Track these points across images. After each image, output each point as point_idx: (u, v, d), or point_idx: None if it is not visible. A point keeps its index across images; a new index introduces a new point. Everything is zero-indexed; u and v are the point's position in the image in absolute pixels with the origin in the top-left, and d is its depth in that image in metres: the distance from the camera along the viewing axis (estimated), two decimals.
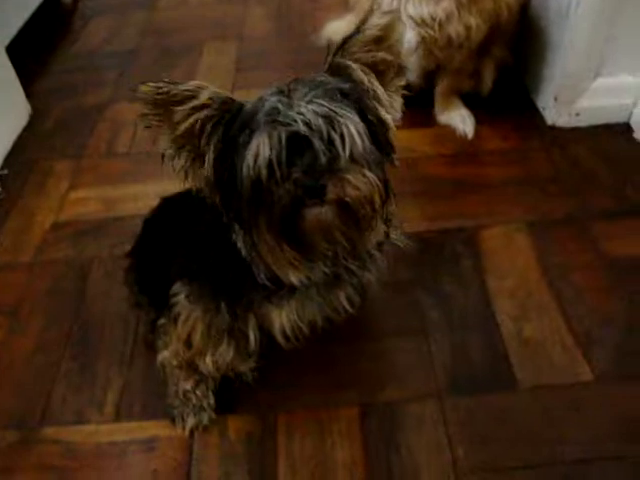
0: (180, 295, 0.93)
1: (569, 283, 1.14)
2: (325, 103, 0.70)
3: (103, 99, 1.77)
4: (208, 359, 0.96)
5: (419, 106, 1.55)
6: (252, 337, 0.93)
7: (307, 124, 0.68)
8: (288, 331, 0.92)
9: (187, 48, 1.99)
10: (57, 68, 1.98)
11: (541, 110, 1.55)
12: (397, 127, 1.51)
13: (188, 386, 1.00)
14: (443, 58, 1.40)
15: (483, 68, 1.49)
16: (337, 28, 1.80)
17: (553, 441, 0.94)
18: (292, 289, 0.84)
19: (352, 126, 0.70)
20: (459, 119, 1.50)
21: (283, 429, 0.98)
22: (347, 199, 0.71)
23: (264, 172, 0.69)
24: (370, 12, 0.74)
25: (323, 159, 0.69)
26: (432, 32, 1.31)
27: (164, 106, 0.72)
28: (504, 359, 1.04)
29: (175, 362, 0.99)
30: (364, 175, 0.72)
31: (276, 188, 0.70)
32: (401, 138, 1.46)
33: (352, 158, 0.71)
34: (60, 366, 1.08)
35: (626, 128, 1.50)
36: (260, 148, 0.69)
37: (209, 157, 0.74)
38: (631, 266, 1.16)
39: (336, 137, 0.69)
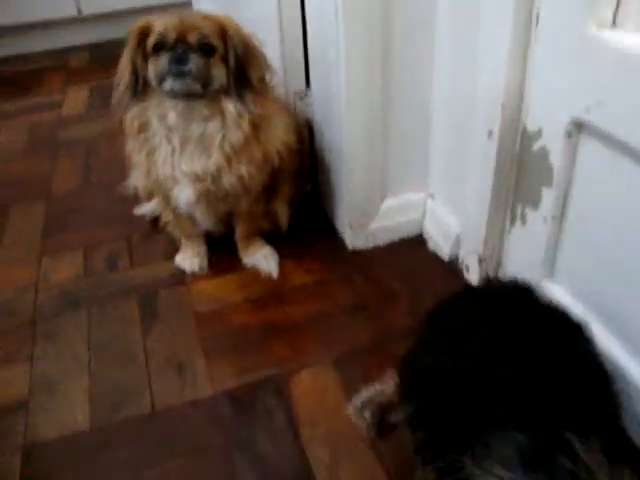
0: None
1: None
2: None
3: None
4: None
5: (225, 251, 1.59)
6: None
7: None
8: None
9: None
10: None
11: (341, 235, 1.63)
12: (205, 277, 1.55)
13: None
14: (227, 207, 1.45)
15: (276, 207, 1.56)
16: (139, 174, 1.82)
17: None
18: None
19: None
20: (262, 259, 1.54)
21: None
22: None
23: None
24: None
25: None
26: (208, 185, 1.36)
27: None
28: None
29: None
30: None
31: None
32: (209, 288, 1.52)
33: None
34: None
35: (420, 240, 1.61)
36: None
37: None
38: None
39: None
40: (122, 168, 2.02)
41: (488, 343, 0.89)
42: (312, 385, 1.25)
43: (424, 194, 1.61)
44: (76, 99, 2.72)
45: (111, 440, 1.18)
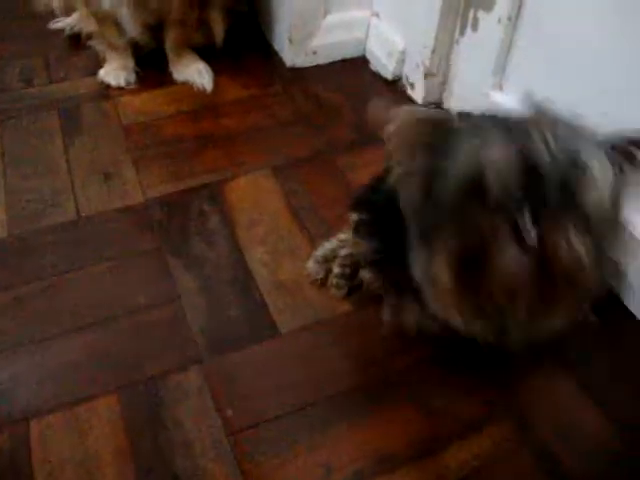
0: None
1: (319, 220, 1.13)
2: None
3: None
4: None
5: (154, 67, 1.46)
6: None
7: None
8: None
9: None
10: None
11: (279, 53, 1.52)
12: (132, 91, 1.44)
13: None
14: (158, 8, 1.31)
15: (210, 18, 1.42)
16: None
17: (317, 380, 0.93)
18: None
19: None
20: (195, 74, 1.42)
21: (37, 437, 0.88)
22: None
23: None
24: None
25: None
26: None
27: None
28: (262, 308, 1.00)
29: None
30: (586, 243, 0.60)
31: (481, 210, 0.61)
32: (137, 102, 1.41)
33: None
34: None
35: (363, 61, 1.53)
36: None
37: None
38: None
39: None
40: None
41: None
42: (249, 191, 1.19)
43: (369, 12, 1.51)
44: None
45: (33, 246, 1.10)
